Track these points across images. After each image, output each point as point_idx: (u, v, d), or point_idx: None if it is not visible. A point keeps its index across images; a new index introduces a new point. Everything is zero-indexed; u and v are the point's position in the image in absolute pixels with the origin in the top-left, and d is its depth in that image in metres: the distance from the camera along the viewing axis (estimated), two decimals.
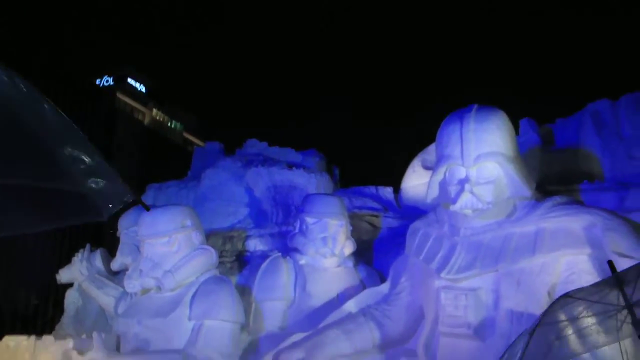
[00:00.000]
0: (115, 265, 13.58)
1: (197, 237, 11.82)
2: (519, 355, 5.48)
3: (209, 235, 13.53)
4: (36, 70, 75.21)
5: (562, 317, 5.65)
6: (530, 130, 12.63)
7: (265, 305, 11.81)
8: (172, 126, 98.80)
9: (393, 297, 10.36)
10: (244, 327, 11.57)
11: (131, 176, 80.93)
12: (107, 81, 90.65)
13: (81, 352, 11.31)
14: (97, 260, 13.86)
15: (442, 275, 9.25)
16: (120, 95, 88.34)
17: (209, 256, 11.81)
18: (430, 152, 12.77)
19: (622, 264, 8.19)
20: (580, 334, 5.47)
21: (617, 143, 11.61)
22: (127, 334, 11.29)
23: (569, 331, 5.50)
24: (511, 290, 8.74)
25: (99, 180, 6.27)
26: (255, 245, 14.06)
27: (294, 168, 15.20)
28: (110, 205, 6.69)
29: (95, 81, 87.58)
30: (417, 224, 10.35)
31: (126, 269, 12.69)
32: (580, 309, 5.53)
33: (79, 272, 13.66)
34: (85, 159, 6.15)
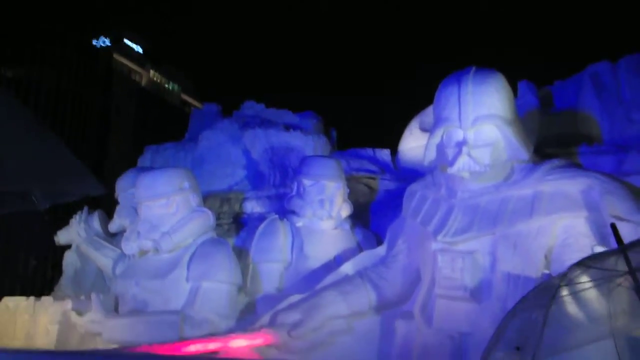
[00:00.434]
0: (113, 227, 13.62)
1: (194, 199, 11.83)
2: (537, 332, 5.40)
3: (207, 198, 13.55)
4: (33, 31, 74.73)
5: (557, 281, 5.64)
6: (528, 92, 12.57)
7: (262, 267, 11.85)
8: (170, 87, 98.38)
9: (390, 260, 10.40)
10: (241, 288, 11.63)
11: (128, 138, 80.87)
12: (103, 42, 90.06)
13: (80, 313, 11.40)
14: (95, 222, 13.87)
15: (439, 238, 9.26)
16: (117, 57, 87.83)
17: (207, 218, 11.83)
18: (427, 114, 12.74)
19: (619, 227, 8.19)
20: (577, 297, 5.46)
21: (617, 106, 11.56)
22: (125, 295, 11.36)
23: (565, 292, 5.49)
24: (508, 253, 8.76)
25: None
26: (253, 207, 14.08)
27: (291, 130, 15.18)
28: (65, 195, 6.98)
29: (92, 42, 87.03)
30: (414, 186, 10.35)
31: (124, 231, 12.73)
32: (578, 272, 5.52)
33: (77, 234, 13.69)
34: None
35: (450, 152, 9.22)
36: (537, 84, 12.91)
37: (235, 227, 13.69)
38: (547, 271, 8.66)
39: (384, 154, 14.54)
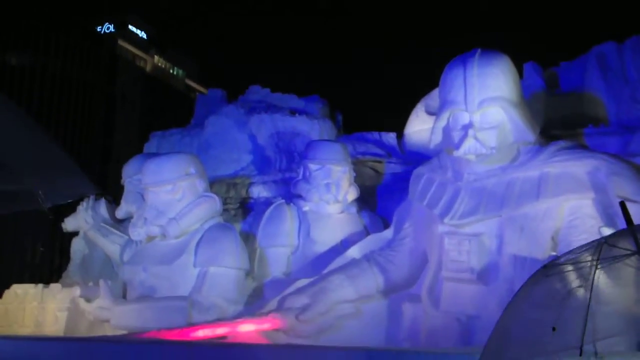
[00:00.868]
0: (120, 213, 13.64)
1: (201, 185, 11.86)
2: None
3: (213, 183, 13.56)
4: (37, 18, 74.57)
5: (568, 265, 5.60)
6: (534, 74, 12.52)
7: (269, 252, 11.89)
8: (175, 73, 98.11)
9: (397, 243, 10.41)
10: (248, 273, 11.67)
11: (134, 124, 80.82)
12: (108, 28, 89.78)
13: (88, 300, 11.47)
14: (102, 208, 13.90)
15: (446, 220, 9.28)
16: (121, 43, 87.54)
17: (213, 203, 11.86)
18: (433, 98, 12.68)
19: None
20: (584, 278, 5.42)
21: (623, 86, 11.50)
22: (133, 281, 11.41)
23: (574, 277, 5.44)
24: (515, 235, 8.76)
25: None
26: (259, 192, 14.08)
27: (297, 114, 15.16)
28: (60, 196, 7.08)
29: (96, 28, 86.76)
30: (421, 169, 10.34)
31: (131, 217, 12.76)
32: (586, 254, 5.47)
33: (84, 220, 13.72)
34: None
35: (456, 135, 9.20)
36: (543, 65, 12.87)
37: (242, 212, 13.70)
38: (554, 253, 8.66)
39: (390, 137, 14.50)
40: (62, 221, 14.20)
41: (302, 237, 11.86)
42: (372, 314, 10.10)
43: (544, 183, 8.87)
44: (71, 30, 77.33)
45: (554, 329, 5.03)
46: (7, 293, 12.39)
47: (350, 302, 9.94)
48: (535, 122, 9.49)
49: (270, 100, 16.29)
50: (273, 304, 10.23)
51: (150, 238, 11.72)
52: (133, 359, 8.79)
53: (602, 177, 8.70)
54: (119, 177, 13.96)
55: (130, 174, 13.61)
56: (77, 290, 11.60)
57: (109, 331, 11.04)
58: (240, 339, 9.62)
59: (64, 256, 15.45)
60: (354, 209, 12.20)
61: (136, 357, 8.72)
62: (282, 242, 11.81)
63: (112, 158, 73.70)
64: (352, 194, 12.09)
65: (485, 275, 8.85)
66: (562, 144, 9.27)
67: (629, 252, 5.05)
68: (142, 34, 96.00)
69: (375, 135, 14.61)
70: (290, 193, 12.62)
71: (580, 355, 4.76)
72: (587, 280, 5.07)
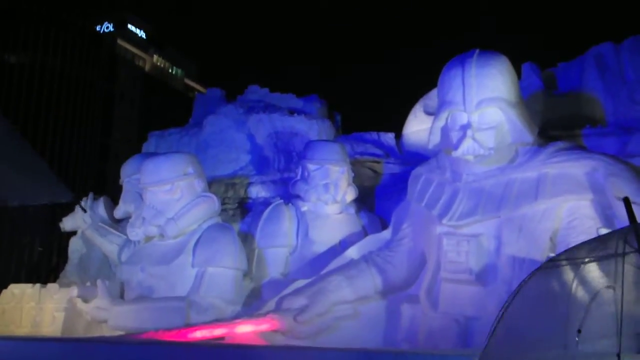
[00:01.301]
0: (118, 213, 13.61)
1: (199, 185, 11.84)
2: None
3: (211, 183, 13.54)
4: (37, 17, 74.60)
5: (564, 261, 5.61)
6: (532, 74, 12.52)
7: (267, 252, 11.87)
8: (173, 72, 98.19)
9: (395, 244, 10.41)
10: (246, 273, 11.66)
11: (132, 123, 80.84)
12: (107, 27, 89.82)
13: (85, 300, 11.43)
14: (100, 208, 13.87)
15: (444, 221, 9.28)
16: (120, 42, 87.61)
17: (212, 203, 11.84)
18: (432, 98, 12.68)
19: (624, 209, 8.18)
20: (582, 278, 5.42)
21: (620, 87, 11.49)
22: (130, 281, 11.39)
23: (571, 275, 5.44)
24: (513, 236, 8.77)
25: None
26: (258, 192, 14.07)
27: (295, 114, 15.15)
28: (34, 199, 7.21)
29: (96, 27, 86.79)
30: (419, 170, 10.34)
31: (129, 217, 12.74)
32: (583, 252, 5.48)
33: (82, 220, 13.69)
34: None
35: (454, 136, 9.21)
36: (541, 66, 12.87)
37: (240, 212, 13.69)
38: (552, 254, 8.66)
39: (389, 137, 14.49)
40: (60, 220, 14.18)
41: (300, 237, 11.84)
42: (370, 315, 10.09)
43: (542, 184, 8.88)
44: (70, 29, 77.37)
45: (579, 331, 5.04)
46: (4, 293, 12.35)
47: (348, 303, 9.93)
48: (534, 123, 9.50)
49: (269, 100, 16.27)
50: (271, 304, 10.22)
51: (149, 238, 11.70)
52: None
53: (600, 178, 8.71)
54: (118, 176, 13.95)
55: (129, 173, 13.58)
56: (74, 291, 11.55)
57: (106, 332, 11.03)
58: (238, 339, 9.61)
59: (62, 256, 15.42)
60: (352, 210, 12.19)
61: (134, 357, 8.69)
62: (280, 243, 11.80)
63: (111, 157, 73.73)
64: (350, 194, 12.07)
65: (483, 276, 8.85)
66: (560, 144, 9.28)
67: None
68: (141, 33, 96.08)
69: (373, 135, 14.60)
70: (288, 193, 12.61)
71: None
72: (615, 279, 5.08)
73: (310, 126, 14.80)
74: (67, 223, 14.04)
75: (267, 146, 14.89)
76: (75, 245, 14.21)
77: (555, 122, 11.46)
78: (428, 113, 12.93)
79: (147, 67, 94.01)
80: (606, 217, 8.58)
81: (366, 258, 10.32)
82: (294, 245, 11.81)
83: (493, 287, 8.69)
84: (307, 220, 11.96)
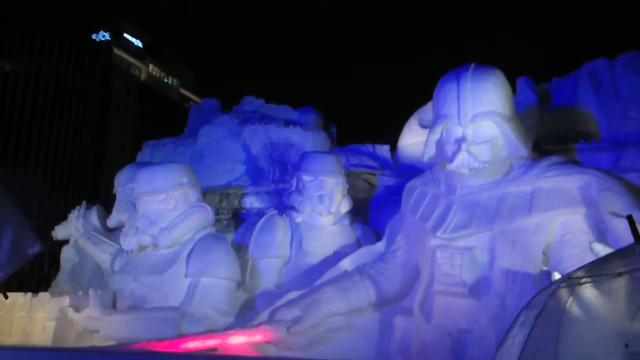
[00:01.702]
0: (111, 222, 13.58)
1: (193, 195, 11.83)
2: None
3: (206, 193, 13.54)
4: (33, 25, 74.62)
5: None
6: (527, 89, 12.59)
7: (261, 263, 11.85)
8: (169, 82, 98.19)
9: (389, 256, 10.40)
10: (240, 284, 11.63)
11: (127, 132, 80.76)
12: (103, 36, 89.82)
13: (77, 309, 11.37)
14: (93, 217, 13.84)
15: (438, 234, 9.28)
16: (116, 51, 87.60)
17: (206, 214, 11.82)
18: (427, 111, 12.73)
19: (617, 224, 8.22)
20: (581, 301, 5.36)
21: (614, 103, 11.56)
22: (123, 291, 11.34)
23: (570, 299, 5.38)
24: (506, 249, 8.78)
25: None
26: (252, 202, 14.07)
27: (290, 125, 15.17)
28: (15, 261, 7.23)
29: (92, 36, 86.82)
30: (414, 182, 10.36)
31: (122, 226, 12.70)
32: (580, 273, 5.43)
33: (75, 229, 13.66)
34: None
35: (449, 149, 9.24)
36: (536, 80, 12.93)
37: (235, 223, 13.68)
38: (545, 267, 8.71)
39: (384, 150, 14.53)
40: (52, 229, 14.14)
41: (294, 248, 11.83)
42: (364, 327, 10.07)
43: (536, 198, 8.91)
44: (66, 37, 77.40)
45: (627, 345, 5.01)
46: None
47: (341, 315, 9.90)
48: (528, 137, 9.54)
49: (265, 111, 16.29)
50: (264, 315, 10.19)
51: (142, 248, 11.67)
52: None
53: (593, 193, 8.74)
54: (112, 185, 13.92)
55: (123, 182, 13.57)
56: (66, 300, 11.50)
57: (97, 342, 10.96)
58: (230, 350, 9.57)
59: (54, 264, 15.34)
60: (346, 221, 12.19)
61: None
62: (274, 254, 11.79)
63: (105, 166, 73.57)
64: (345, 205, 12.08)
65: (477, 289, 8.85)
66: (554, 159, 9.32)
67: None
68: (137, 43, 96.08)
69: (368, 147, 14.63)
70: (283, 204, 12.60)
71: None
72: None
73: (306, 137, 14.82)
74: (60, 231, 14.01)
75: (262, 157, 14.89)
76: (67, 254, 14.16)
77: (549, 136, 11.51)
78: (423, 126, 12.97)
79: (142, 77, 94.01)
80: (599, 231, 8.61)
81: (360, 270, 10.30)
82: (288, 256, 11.80)
83: (486, 300, 8.70)
84: (301, 231, 11.95)
